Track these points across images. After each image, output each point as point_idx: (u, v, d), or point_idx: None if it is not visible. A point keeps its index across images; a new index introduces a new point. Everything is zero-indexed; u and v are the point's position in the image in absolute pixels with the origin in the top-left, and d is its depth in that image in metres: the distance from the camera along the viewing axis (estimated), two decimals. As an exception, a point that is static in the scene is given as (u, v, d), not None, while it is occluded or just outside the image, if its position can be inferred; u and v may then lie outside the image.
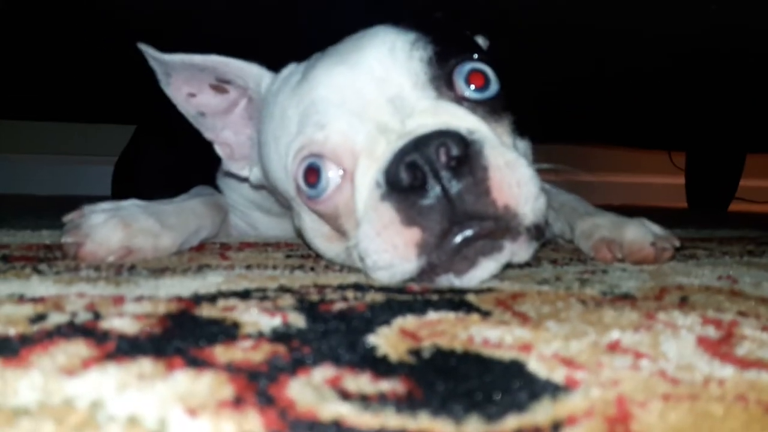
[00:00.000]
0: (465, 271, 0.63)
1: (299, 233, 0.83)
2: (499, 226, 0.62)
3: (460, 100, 0.70)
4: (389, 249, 0.62)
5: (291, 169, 0.71)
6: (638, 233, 0.84)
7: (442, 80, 0.70)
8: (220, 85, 0.87)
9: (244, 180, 0.93)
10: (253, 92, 0.86)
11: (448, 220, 0.61)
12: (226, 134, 0.91)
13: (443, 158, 0.61)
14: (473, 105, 0.70)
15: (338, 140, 0.68)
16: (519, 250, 0.64)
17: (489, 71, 0.71)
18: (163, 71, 0.85)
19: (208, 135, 0.91)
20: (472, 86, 0.70)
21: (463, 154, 0.61)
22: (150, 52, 0.83)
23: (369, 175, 0.65)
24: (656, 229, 0.87)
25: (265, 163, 0.82)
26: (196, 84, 0.86)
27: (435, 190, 0.61)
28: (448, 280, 0.63)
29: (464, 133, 0.63)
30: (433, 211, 0.61)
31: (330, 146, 0.68)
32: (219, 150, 0.91)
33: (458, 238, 0.61)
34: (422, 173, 0.61)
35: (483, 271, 0.64)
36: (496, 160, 0.62)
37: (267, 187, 0.89)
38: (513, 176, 0.62)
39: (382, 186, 0.63)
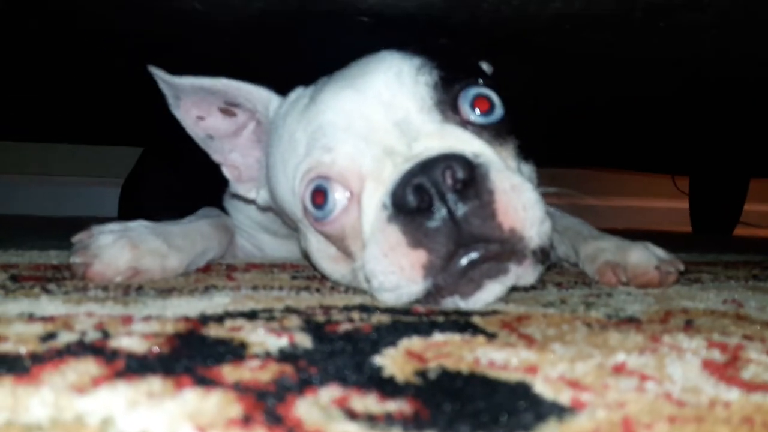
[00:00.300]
0: (471, 294, 0.63)
1: (305, 255, 0.84)
2: (504, 249, 0.63)
3: (466, 124, 0.71)
4: (396, 270, 0.63)
5: (298, 191, 0.72)
6: (642, 257, 0.85)
7: (448, 105, 0.71)
8: (229, 109, 0.88)
9: (251, 202, 0.94)
10: (262, 115, 0.88)
11: (454, 242, 0.61)
12: (234, 157, 0.92)
13: (449, 181, 0.61)
14: (478, 129, 0.71)
15: (345, 163, 0.69)
16: (524, 274, 0.64)
17: (494, 96, 0.72)
18: (172, 94, 0.86)
19: (216, 157, 0.92)
20: (477, 111, 0.71)
21: (469, 177, 0.62)
22: (160, 74, 0.85)
23: (376, 197, 0.66)
24: (660, 252, 0.87)
25: (273, 185, 0.82)
26: (206, 107, 0.88)
27: (441, 213, 0.61)
28: (453, 303, 0.64)
29: (470, 157, 0.64)
30: (439, 233, 0.61)
31: (337, 169, 0.69)
32: (227, 172, 0.92)
33: (464, 261, 0.62)
34: (429, 196, 0.61)
35: (488, 293, 0.64)
36: (502, 184, 0.63)
37: (274, 209, 0.90)
38: (519, 200, 0.63)
39: (389, 208, 0.64)
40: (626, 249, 0.87)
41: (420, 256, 0.62)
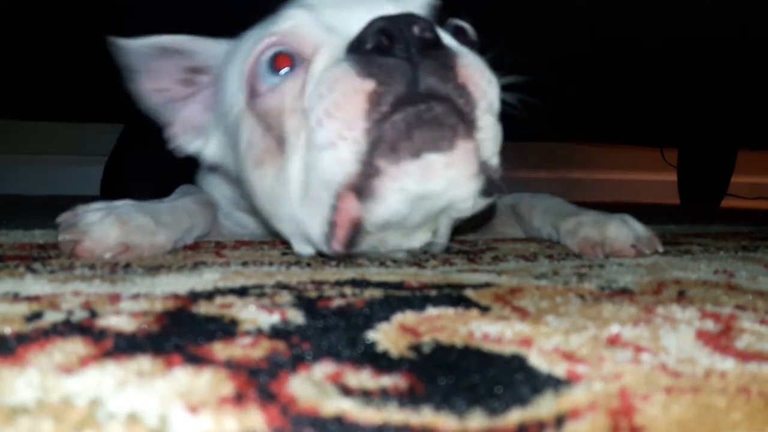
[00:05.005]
0: (407, 160, 0.61)
1: (254, 210, 0.81)
2: (454, 109, 0.61)
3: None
4: (339, 110, 0.60)
5: (247, 67, 0.70)
6: (620, 233, 0.84)
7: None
8: (191, 78, 0.84)
9: (197, 158, 0.90)
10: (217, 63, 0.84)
11: (407, 87, 0.59)
12: (184, 114, 0.87)
13: (416, 31, 0.59)
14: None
15: (300, 29, 0.67)
16: (465, 191, 0.64)
17: (472, 32, 0.72)
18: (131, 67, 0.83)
19: (164, 119, 0.88)
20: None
21: (433, 41, 0.60)
22: (118, 43, 0.81)
23: (327, 60, 0.64)
24: (638, 227, 0.87)
25: (225, 100, 0.78)
26: (166, 79, 0.84)
27: (400, 54, 0.59)
28: (390, 189, 0.61)
29: (436, 27, 0.62)
30: (395, 69, 0.59)
31: (291, 30, 0.68)
32: (171, 131, 0.88)
33: (411, 113, 0.60)
34: (390, 39, 0.59)
35: (426, 170, 0.61)
36: (465, 58, 0.63)
37: (223, 165, 0.86)
38: (479, 69, 0.63)
39: (343, 56, 0.62)
40: (604, 223, 0.87)
41: (367, 86, 0.59)
